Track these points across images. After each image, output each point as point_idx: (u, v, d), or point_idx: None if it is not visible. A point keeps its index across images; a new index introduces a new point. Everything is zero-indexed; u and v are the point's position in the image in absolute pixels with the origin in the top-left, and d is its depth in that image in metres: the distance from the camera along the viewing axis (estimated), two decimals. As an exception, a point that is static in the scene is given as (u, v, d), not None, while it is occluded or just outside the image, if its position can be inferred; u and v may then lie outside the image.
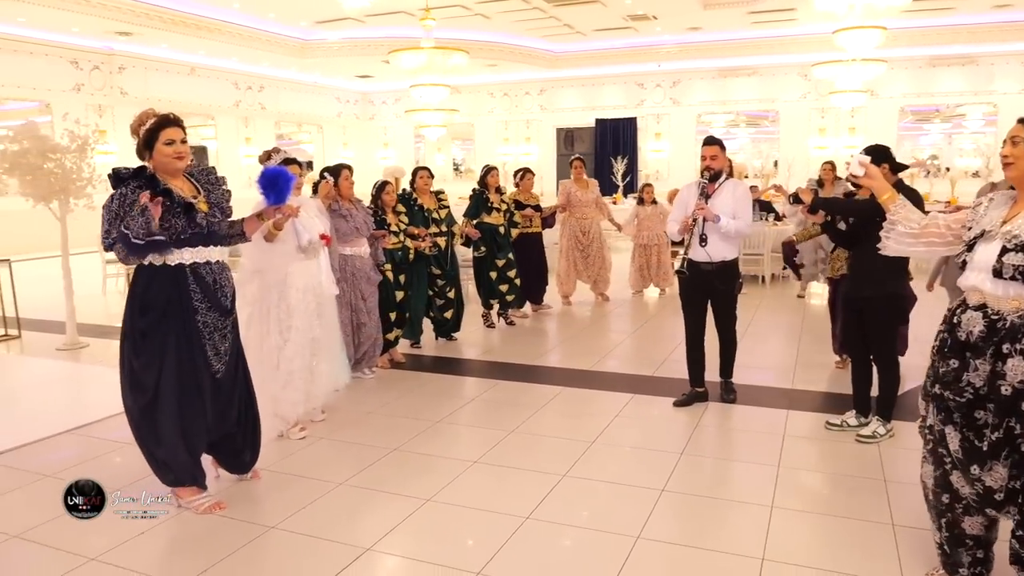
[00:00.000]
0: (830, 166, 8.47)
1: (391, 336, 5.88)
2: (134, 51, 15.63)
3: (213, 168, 3.62)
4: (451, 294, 6.60)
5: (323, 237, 4.48)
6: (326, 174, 5.24)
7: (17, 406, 5.14)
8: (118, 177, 3.25)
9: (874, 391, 4.27)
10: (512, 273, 7.27)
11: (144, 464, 3.46)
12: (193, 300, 3.31)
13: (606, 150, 19.95)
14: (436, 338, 6.78)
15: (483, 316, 7.40)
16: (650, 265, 9.02)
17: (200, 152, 18.39)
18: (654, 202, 9.11)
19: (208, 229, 3.34)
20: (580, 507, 3.40)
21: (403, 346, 6.28)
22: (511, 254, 7.29)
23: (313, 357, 4.39)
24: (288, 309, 4.26)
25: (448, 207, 6.63)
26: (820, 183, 8.56)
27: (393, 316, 5.86)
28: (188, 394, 3.34)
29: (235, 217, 3.54)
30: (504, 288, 7.26)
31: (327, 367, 4.53)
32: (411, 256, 5.97)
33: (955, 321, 2.44)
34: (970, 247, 2.42)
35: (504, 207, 7.29)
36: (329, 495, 3.56)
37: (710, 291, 4.80)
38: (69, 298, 6.59)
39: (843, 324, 4.54)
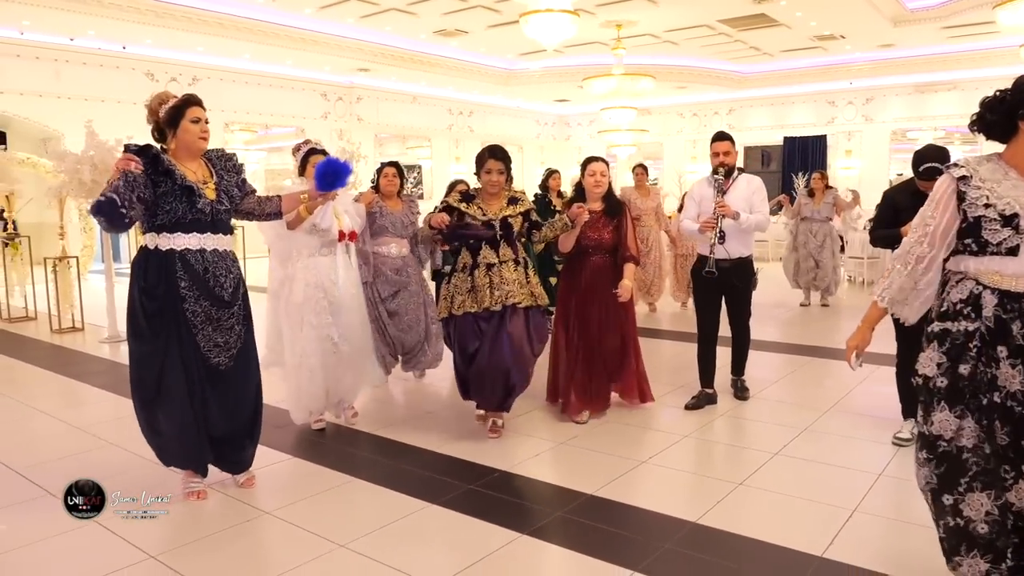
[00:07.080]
0: (820, 175, 9.06)
1: None
2: (369, 84, 18.45)
3: (234, 154, 3.51)
4: None
5: (346, 235, 4.37)
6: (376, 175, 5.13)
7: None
8: (126, 150, 3.17)
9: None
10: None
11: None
12: (180, 288, 3.17)
13: (794, 167, 20.14)
14: None
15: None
16: (687, 277, 8.43)
17: (416, 170, 21.03)
18: None
19: (213, 217, 3.24)
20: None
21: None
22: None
23: (329, 356, 4.21)
24: (297, 305, 4.19)
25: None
26: (811, 193, 9.07)
27: None
28: (190, 384, 3.24)
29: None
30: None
31: (350, 367, 4.32)
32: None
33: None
34: (1016, 229, 2.22)
35: None
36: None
37: (726, 289, 4.70)
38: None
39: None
